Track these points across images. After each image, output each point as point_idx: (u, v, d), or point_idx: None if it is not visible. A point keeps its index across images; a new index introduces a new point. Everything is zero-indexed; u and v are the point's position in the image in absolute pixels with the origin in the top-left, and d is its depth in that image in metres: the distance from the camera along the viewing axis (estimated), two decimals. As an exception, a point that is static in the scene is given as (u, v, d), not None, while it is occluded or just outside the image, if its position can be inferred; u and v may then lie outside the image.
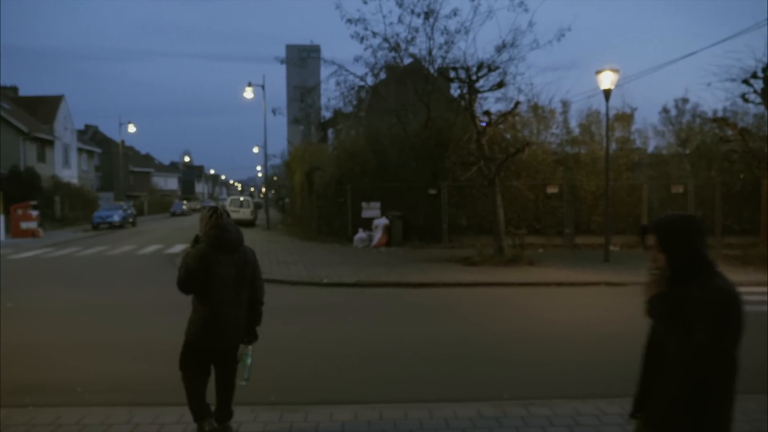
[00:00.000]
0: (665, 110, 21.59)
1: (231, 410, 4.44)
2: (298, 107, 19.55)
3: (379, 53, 19.40)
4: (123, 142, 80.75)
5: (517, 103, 14.88)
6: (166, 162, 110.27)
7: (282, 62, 18.48)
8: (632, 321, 8.99)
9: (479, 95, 15.46)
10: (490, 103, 17.24)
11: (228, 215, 4.35)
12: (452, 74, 15.10)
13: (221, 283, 4.14)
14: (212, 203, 16.67)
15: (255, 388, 4.92)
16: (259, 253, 5.00)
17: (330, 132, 30.06)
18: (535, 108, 18.73)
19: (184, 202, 71.07)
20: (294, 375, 6.25)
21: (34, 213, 27.53)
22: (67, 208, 40.89)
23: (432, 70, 18.54)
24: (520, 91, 16.72)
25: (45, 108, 44.86)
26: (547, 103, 18.95)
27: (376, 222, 18.75)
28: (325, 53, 19.00)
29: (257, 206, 41.88)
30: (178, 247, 20.98)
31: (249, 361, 4.40)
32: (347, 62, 20.29)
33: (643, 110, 61.04)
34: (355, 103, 20.56)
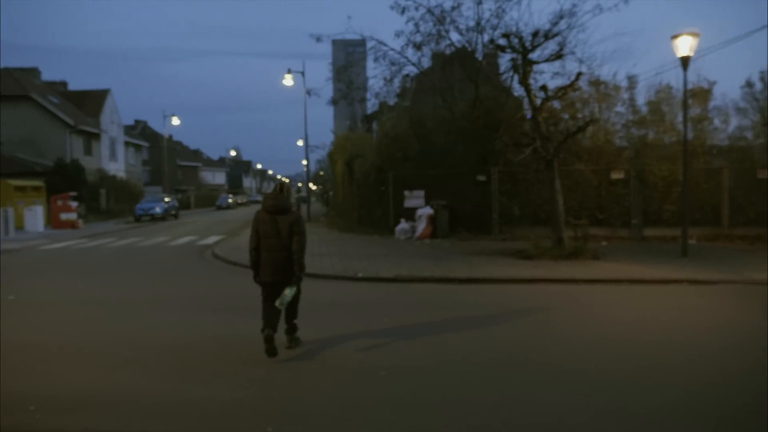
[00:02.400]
0: (749, 84, 19.12)
1: (294, 325, 6.19)
2: (339, 91, 18.24)
3: (423, 26, 17.81)
4: (171, 136, 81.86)
5: (579, 75, 13.05)
6: (215, 157, 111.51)
7: (318, 40, 17.25)
8: (741, 328, 7.30)
9: (534, 68, 13.70)
10: (546, 78, 15.38)
11: (278, 190, 5.95)
12: (503, 42, 13.40)
13: (265, 235, 5.85)
14: (260, 197, 19.27)
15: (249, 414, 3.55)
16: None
17: (375, 124, 28.75)
18: (596, 84, 16.77)
19: (230, 196, 71.23)
20: (300, 398, 4.85)
21: (74, 204, 27.25)
22: (112, 200, 41.02)
23: (480, 44, 16.84)
24: (581, 62, 14.85)
25: (91, 102, 45.18)
26: (610, 78, 16.96)
27: (419, 212, 17.24)
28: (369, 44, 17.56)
29: (302, 199, 40.97)
30: (212, 239, 20.05)
31: (288, 293, 5.81)
32: (391, 55, 18.68)
33: (722, 85, 56.05)
34: (398, 92, 18.99)
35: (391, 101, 22.17)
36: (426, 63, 20.49)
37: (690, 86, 13.54)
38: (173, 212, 37.62)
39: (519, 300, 8.74)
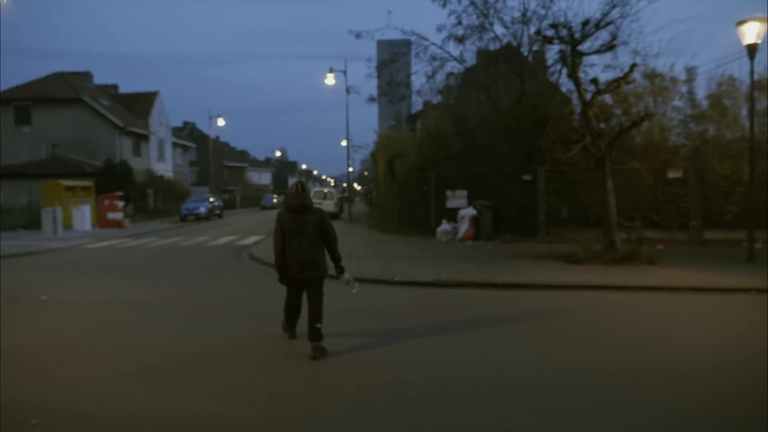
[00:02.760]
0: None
1: (318, 330, 5.85)
2: (380, 88, 17.75)
3: (465, 19, 17.12)
4: (218, 138, 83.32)
5: (634, 66, 12.15)
6: (261, 158, 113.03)
7: (358, 36, 16.80)
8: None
9: (584, 60, 12.87)
10: (597, 72, 14.50)
11: (299, 190, 5.92)
12: (551, 33, 12.63)
13: (291, 234, 5.86)
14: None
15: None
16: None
17: (419, 123, 28.20)
18: (652, 76, 15.73)
19: (275, 196, 71.85)
20: (317, 418, 4.37)
21: (120, 204, 27.70)
22: (160, 200, 41.79)
23: (526, 37, 16.03)
24: (636, 53, 13.86)
25: (140, 104, 46.20)
26: (667, 70, 15.87)
27: (461, 212, 16.60)
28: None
29: (345, 199, 40.78)
30: (251, 239, 19.90)
31: (347, 276, 6.28)
32: (432, 50, 18.01)
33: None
34: (440, 88, 18.35)
35: (435, 99, 21.56)
36: (469, 58, 19.83)
37: (756, 77, 12.45)
38: (217, 212, 38.01)
39: (567, 308, 8.05)
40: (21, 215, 29.02)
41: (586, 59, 13.06)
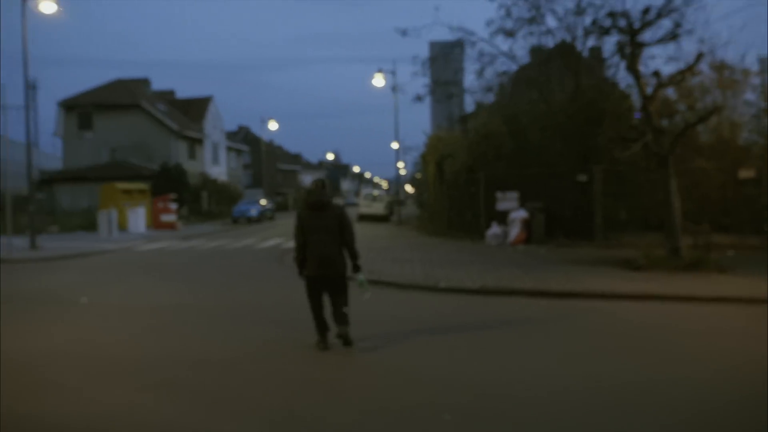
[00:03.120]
0: None
1: (346, 319, 5.97)
2: (426, 86, 17.25)
3: (515, 11, 16.34)
4: (271, 141, 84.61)
5: (700, 56, 11.19)
6: (314, 161, 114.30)
7: (404, 34, 16.26)
8: None
9: (644, 52, 11.97)
10: (659, 64, 13.53)
11: (320, 188, 6.01)
12: (608, 23, 11.81)
13: (312, 231, 5.87)
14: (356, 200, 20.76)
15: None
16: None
17: (470, 124, 27.48)
18: (720, 68, 14.57)
19: (326, 198, 72.32)
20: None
21: (173, 206, 28.19)
22: (213, 202, 42.58)
23: (581, 29, 15.12)
24: (702, 41, 12.76)
25: (195, 109, 47.25)
26: (738, 62, 14.67)
27: (512, 215, 15.87)
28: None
29: (396, 202, 40.44)
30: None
31: (361, 277, 6.14)
32: (481, 46, 17.25)
33: None
34: (489, 86, 17.61)
35: (486, 99, 20.82)
36: (521, 55, 18.99)
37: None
38: (269, 214, 38.32)
39: (626, 321, 7.33)
40: (81, 217, 29.96)
41: (647, 51, 12.14)
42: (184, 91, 48.51)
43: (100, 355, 6.09)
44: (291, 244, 18.98)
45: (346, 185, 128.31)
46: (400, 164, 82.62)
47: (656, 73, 11.85)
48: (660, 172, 11.45)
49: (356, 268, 6.07)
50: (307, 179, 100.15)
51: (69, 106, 40.35)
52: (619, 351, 6.00)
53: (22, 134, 55.02)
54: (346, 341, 5.95)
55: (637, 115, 11.98)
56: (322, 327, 6.10)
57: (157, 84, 49.25)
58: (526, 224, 15.55)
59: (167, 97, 48.85)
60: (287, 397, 4.78)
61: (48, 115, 42.08)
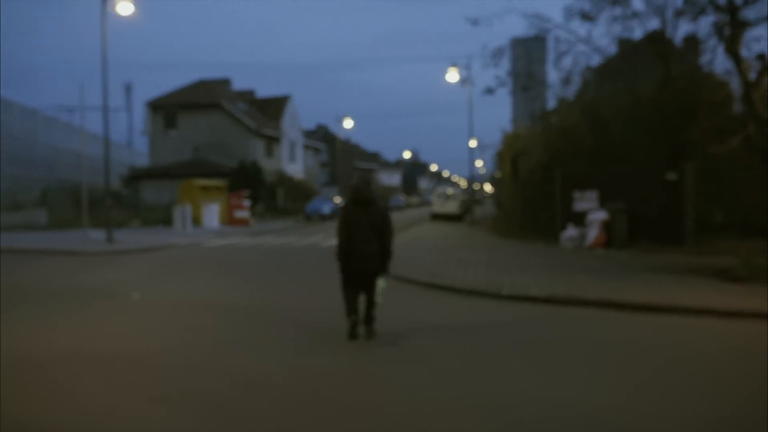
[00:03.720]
0: None
1: (372, 316, 6.25)
2: (497, 78, 16.17)
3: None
4: (349, 139, 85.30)
5: (817, 35, 9.66)
6: (393, 160, 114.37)
7: (474, 23, 15.29)
8: None
9: (747, 31, 10.48)
10: (763, 47, 11.79)
11: (367, 184, 6.46)
12: (704, 1, 10.44)
13: (357, 226, 6.02)
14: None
15: None
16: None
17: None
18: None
19: (401, 197, 71.92)
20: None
21: (246, 202, 28.57)
22: (289, 199, 43.13)
23: (671, 12, 13.57)
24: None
25: (274, 108, 48.11)
26: None
27: (591, 216, 14.61)
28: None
29: (473, 200, 39.30)
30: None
31: (382, 285, 6.14)
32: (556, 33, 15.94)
33: None
34: (565, 76, 16.26)
35: (564, 92, 19.44)
36: (602, 42, 17.52)
37: None
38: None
39: (720, 343, 6.21)
40: (162, 212, 31.06)
41: (750, 32, 10.65)
42: (266, 92, 49.13)
43: (124, 357, 5.76)
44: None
45: (423, 184, 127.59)
46: (479, 163, 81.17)
47: (761, 57, 10.39)
48: (764, 168, 9.99)
49: (384, 269, 6.18)
50: (384, 178, 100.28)
51: (155, 106, 42.13)
52: (713, 381, 4.97)
53: (117, 134, 58.39)
54: (370, 335, 6.22)
55: (738, 104, 10.52)
56: (353, 319, 6.16)
57: (241, 85, 50.56)
58: (606, 226, 14.26)
59: (247, 96, 50.08)
60: (308, 424, 4.18)
61: (140, 115, 44.43)
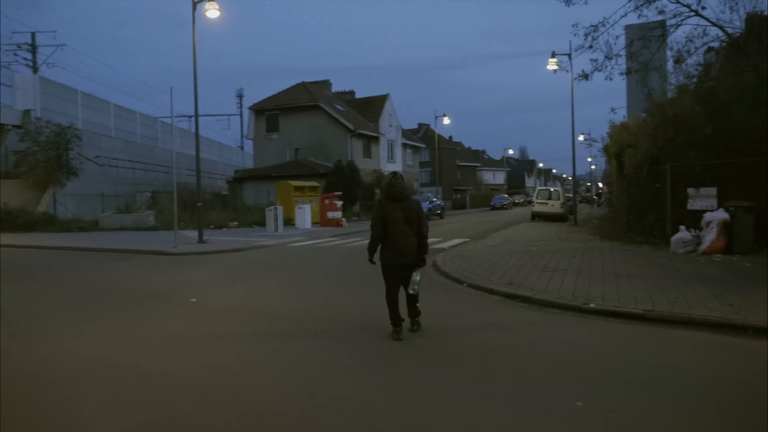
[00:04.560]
0: None
1: (417, 310, 6.47)
2: (594, 61, 14.31)
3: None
4: (451, 138, 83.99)
5: None
6: (498, 157, 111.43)
7: (568, 3, 13.60)
8: None
9: None
10: None
11: (399, 179, 6.38)
12: None
13: (393, 220, 6.12)
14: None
15: None
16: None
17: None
18: None
19: (506, 195, 69.47)
20: None
21: (339, 203, 28.41)
22: (387, 200, 42.74)
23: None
24: None
25: (372, 107, 48.06)
26: None
27: (707, 216, 12.62)
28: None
29: (578, 199, 36.78)
30: (453, 241, 18.27)
31: (417, 278, 6.24)
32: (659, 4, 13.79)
33: None
34: (681, 55, 14.08)
35: (678, 74, 17.20)
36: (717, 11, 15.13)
37: None
38: (438, 212, 37.32)
39: None
40: (260, 213, 31.77)
41: None
42: (372, 94, 48.79)
43: (141, 371, 5.27)
44: (443, 244, 17.66)
45: (530, 182, 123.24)
46: (590, 160, 76.60)
47: None
48: None
49: (420, 261, 6.30)
50: (488, 176, 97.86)
51: (258, 110, 43.46)
52: None
53: (230, 138, 61.27)
54: (415, 330, 6.43)
55: None
56: (396, 318, 6.28)
57: (346, 88, 50.61)
58: (726, 228, 12.23)
59: (346, 97, 50.51)
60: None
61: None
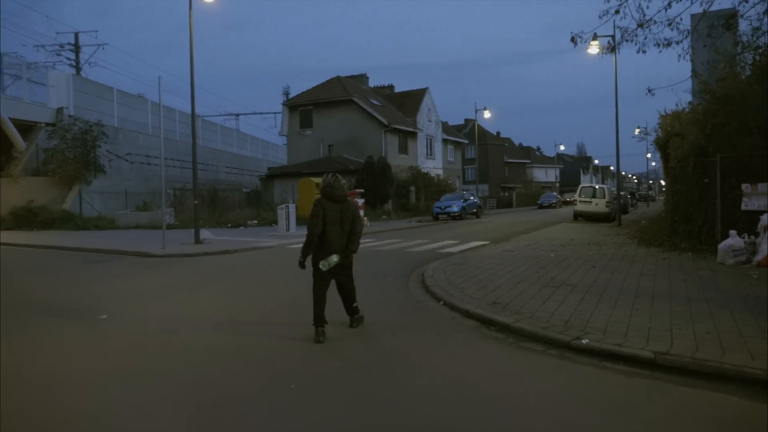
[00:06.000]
0: None
1: (355, 308, 6.53)
2: (619, 29, 11.88)
3: None
4: (498, 133, 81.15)
5: None
6: (551, 154, 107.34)
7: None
8: None
9: None
10: None
11: (339, 180, 6.32)
12: None
13: (331, 221, 6.11)
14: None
15: None
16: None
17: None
18: None
19: (554, 194, 66.03)
20: None
21: (360, 201, 26.65)
22: (422, 197, 40.78)
23: None
24: None
25: (410, 102, 46.16)
26: None
27: (765, 219, 10.17)
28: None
29: (639, 197, 33.67)
30: (471, 244, 16.30)
31: (335, 259, 6.12)
32: None
33: None
34: (731, 20, 11.49)
35: (725, 44, 14.47)
36: None
37: None
38: (473, 211, 35.05)
39: None
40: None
41: None
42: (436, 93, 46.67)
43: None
44: (455, 248, 15.67)
45: (586, 180, 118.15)
46: (649, 155, 72.02)
47: None
48: None
49: (347, 253, 6.24)
50: (539, 173, 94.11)
51: (292, 105, 42.32)
52: None
53: (274, 137, 60.85)
54: (355, 326, 6.44)
55: None
56: (319, 320, 6.10)
57: (402, 87, 48.66)
58: (791, 234, 9.77)
59: (384, 92, 48.77)
60: None
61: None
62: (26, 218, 26.67)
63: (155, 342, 6.21)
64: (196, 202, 17.83)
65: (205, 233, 21.28)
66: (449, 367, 5.23)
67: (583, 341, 5.63)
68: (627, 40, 10.49)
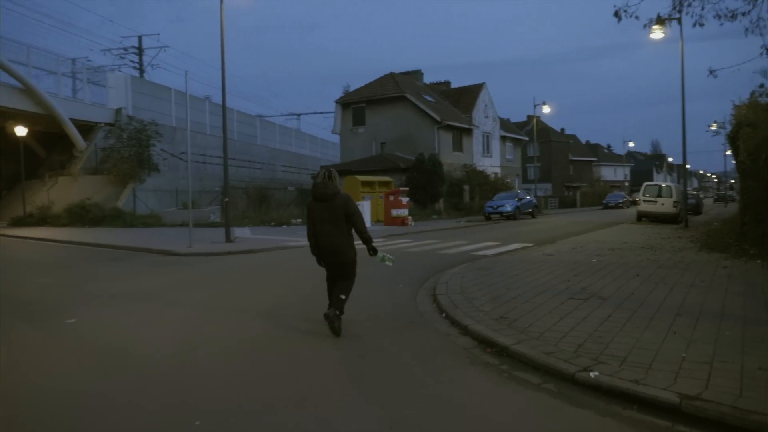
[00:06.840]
0: None
1: (340, 305, 6.06)
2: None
3: None
4: (563, 130, 77.95)
5: None
6: (621, 152, 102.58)
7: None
8: None
9: None
10: None
11: (330, 178, 6.11)
12: None
13: (319, 220, 6.07)
14: None
15: None
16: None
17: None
18: None
19: (622, 193, 62.55)
20: None
21: (405, 200, 25.69)
22: (477, 196, 39.27)
23: None
24: None
25: (466, 98, 44.69)
26: None
27: None
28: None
29: (724, 197, 30.98)
30: (509, 246, 15.01)
31: (381, 255, 6.41)
32: None
33: None
34: None
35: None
36: None
37: None
38: (529, 210, 33.29)
39: None
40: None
41: None
42: (495, 90, 44.66)
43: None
44: (490, 251, 14.42)
45: (660, 178, 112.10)
46: (728, 152, 67.09)
47: None
48: None
49: (372, 251, 6.25)
50: (606, 172, 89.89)
51: (344, 103, 41.78)
52: None
53: (326, 134, 60.75)
54: (333, 328, 5.93)
55: None
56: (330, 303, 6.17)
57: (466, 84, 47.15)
58: None
59: (440, 88, 47.49)
60: None
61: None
62: (79, 215, 27.34)
63: (94, 356, 5.49)
64: (227, 199, 17.40)
65: (242, 231, 20.95)
66: (408, 404, 4.17)
67: (592, 374, 4.45)
68: (678, 11, 9.00)
